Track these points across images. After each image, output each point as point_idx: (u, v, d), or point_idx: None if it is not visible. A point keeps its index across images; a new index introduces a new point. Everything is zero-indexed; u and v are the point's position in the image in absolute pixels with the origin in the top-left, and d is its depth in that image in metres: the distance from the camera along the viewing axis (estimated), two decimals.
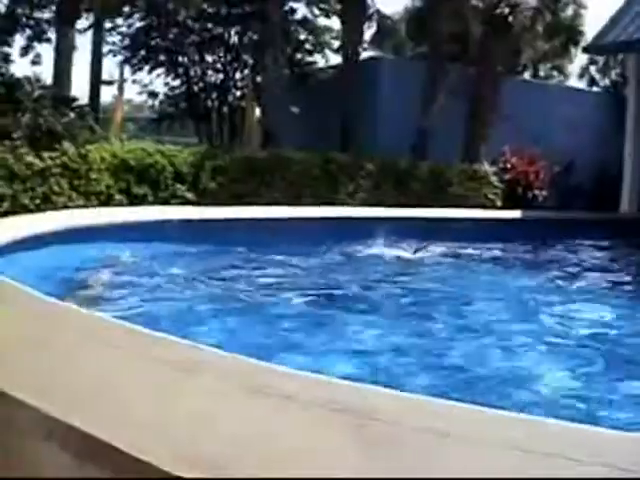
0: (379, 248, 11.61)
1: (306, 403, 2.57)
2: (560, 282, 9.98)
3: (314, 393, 2.71)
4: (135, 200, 12.53)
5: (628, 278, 11.16)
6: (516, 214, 16.13)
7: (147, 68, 24.63)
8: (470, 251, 12.67)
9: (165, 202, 12.87)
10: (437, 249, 12.16)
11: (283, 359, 4.77)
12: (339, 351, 5.59)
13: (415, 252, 11.61)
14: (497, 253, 12.90)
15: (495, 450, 2.26)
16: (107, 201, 12.22)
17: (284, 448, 2.20)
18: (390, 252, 11.48)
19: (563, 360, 5.71)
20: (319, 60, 25.00)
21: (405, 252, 11.59)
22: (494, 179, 17.23)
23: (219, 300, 7.43)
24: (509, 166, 17.67)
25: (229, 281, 8.75)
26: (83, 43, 23.16)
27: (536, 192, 17.73)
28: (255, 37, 22.91)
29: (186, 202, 13.08)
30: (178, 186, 13.21)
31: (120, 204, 12.30)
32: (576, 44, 26.58)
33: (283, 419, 2.44)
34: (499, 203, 17.03)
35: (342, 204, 14.53)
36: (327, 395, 2.68)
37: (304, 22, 24.50)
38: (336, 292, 8.36)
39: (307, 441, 2.27)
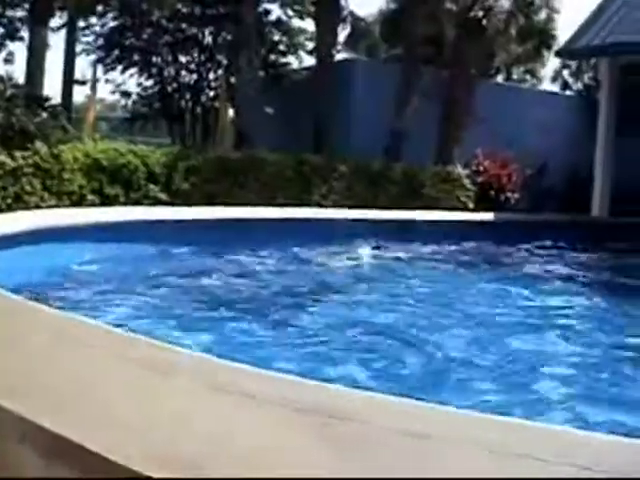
0: (333, 249, 11.59)
1: (274, 403, 2.58)
2: (527, 283, 10.04)
3: (282, 393, 2.72)
4: (107, 200, 12.47)
5: (597, 280, 11.24)
6: (488, 216, 16.19)
7: (120, 68, 24.58)
8: (433, 254, 12.71)
9: (137, 202, 12.81)
10: (398, 252, 12.14)
11: None
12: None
13: (368, 254, 11.59)
14: (459, 255, 12.97)
15: (471, 451, 2.27)
16: (79, 201, 12.15)
17: (253, 447, 2.21)
18: (337, 255, 11.44)
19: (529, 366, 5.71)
20: (293, 61, 25.06)
21: (358, 254, 11.58)
22: (467, 182, 17.30)
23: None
24: (482, 169, 17.74)
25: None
26: (56, 42, 23.08)
27: (508, 195, 17.82)
28: (229, 38, 22.88)
29: (159, 202, 13.02)
30: (151, 186, 13.15)
31: (92, 204, 12.24)
32: (549, 48, 26.75)
33: (253, 419, 2.45)
34: (471, 205, 17.10)
35: (316, 205, 14.52)
36: (295, 395, 2.69)
37: (278, 23, 24.54)
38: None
39: (275, 440, 2.27)
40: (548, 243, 14.06)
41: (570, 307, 8.38)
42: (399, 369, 5.45)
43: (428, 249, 13.00)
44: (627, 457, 2.35)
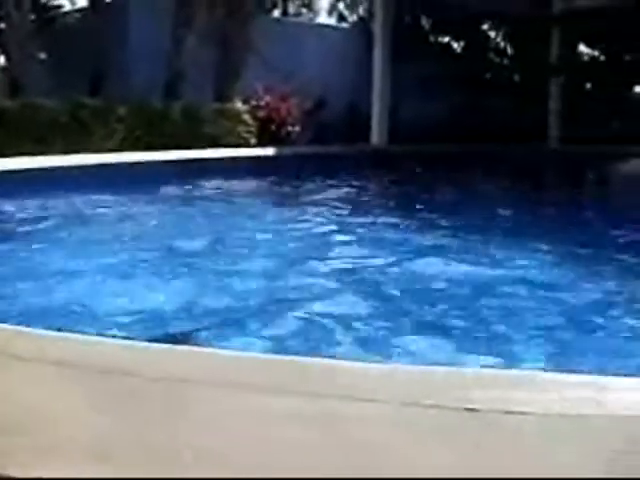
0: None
1: (41, 361, 2.59)
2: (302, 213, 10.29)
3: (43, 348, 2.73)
4: None
5: (374, 207, 11.62)
6: (269, 151, 16.37)
7: None
8: (215, 191, 12.80)
9: None
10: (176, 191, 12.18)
11: None
12: None
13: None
14: (241, 191, 13.14)
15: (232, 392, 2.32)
16: None
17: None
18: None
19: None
20: (66, 3, 24.24)
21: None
22: (247, 117, 17.41)
23: None
24: (262, 104, 17.90)
25: None
26: None
27: (289, 128, 18.10)
28: None
29: None
30: None
31: None
32: None
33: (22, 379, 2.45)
34: (253, 141, 17.25)
35: (95, 151, 14.22)
36: (60, 351, 2.72)
37: None
38: None
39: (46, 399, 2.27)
40: (328, 173, 14.33)
41: (342, 231, 8.69)
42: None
43: (210, 186, 13.05)
44: None
